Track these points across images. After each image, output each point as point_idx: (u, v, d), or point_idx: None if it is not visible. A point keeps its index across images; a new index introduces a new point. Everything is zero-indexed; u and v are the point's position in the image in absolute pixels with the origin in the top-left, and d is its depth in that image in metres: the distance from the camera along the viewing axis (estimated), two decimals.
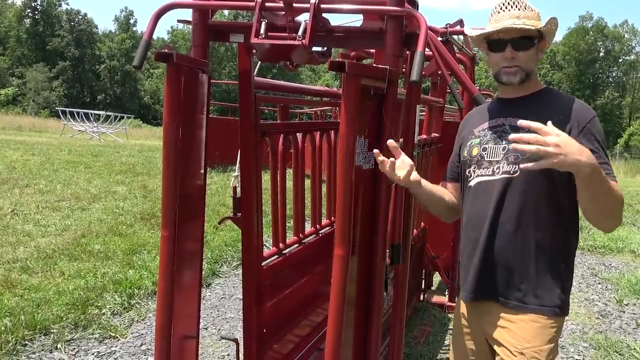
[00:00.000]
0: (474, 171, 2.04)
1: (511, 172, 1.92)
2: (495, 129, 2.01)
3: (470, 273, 2.04)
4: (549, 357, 1.92)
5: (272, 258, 3.31)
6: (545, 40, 1.99)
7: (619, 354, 4.26)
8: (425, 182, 2.12)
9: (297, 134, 3.59)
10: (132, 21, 67.45)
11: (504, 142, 1.95)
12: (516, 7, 1.94)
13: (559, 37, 65.48)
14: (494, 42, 1.98)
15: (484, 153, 2.01)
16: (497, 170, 1.96)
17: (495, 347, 2.01)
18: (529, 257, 1.92)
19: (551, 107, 1.93)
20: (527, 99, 2.00)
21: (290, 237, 3.66)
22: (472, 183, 2.05)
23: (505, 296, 1.97)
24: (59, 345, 3.86)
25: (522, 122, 1.66)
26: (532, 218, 1.91)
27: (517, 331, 1.94)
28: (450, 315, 4.85)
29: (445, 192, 2.23)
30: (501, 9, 1.96)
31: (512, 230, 1.93)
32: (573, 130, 1.85)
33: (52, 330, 4.05)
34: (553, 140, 1.58)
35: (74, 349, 3.87)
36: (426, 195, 2.14)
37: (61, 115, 26.32)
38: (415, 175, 2.01)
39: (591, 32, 62.22)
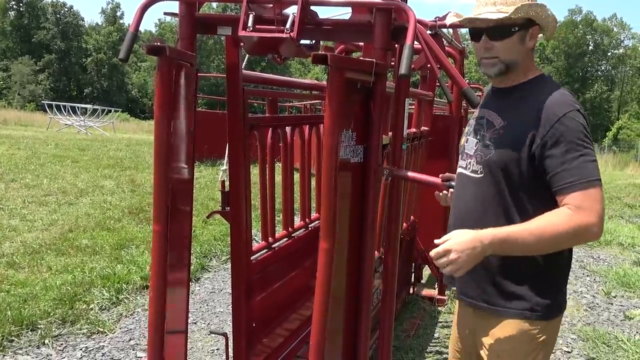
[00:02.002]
0: (459, 160, 2.00)
1: (478, 172, 1.85)
2: (479, 121, 1.92)
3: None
4: None
5: (262, 252, 3.30)
6: (537, 26, 1.81)
7: (607, 346, 4.30)
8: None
9: (286, 127, 3.58)
10: (118, 14, 66.67)
11: (478, 137, 1.88)
12: None
13: None
14: (472, 31, 1.86)
15: (465, 144, 1.96)
16: (469, 166, 1.90)
17: (480, 350, 1.95)
18: (493, 259, 1.78)
19: (525, 102, 1.79)
20: (510, 91, 1.87)
21: (279, 231, 3.65)
22: (457, 172, 2.01)
23: (476, 299, 1.90)
24: (46, 341, 3.83)
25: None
26: (494, 220, 1.77)
27: (499, 338, 1.84)
28: (440, 308, 4.87)
29: None
30: None
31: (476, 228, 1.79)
32: (538, 132, 1.69)
33: (39, 326, 4.01)
34: (438, 252, 1.62)
35: (62, 344, 3.84)
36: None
37: (47, 109, 26.08)
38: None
39: (580, 26, 62.48)
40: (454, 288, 2.08)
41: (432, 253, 1.65)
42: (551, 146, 1.68)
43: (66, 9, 63.34)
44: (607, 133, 47.18)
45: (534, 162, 1.72)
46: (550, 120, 1.69)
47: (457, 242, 1.62)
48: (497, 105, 1.89)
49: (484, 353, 1.91)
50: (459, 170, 1.98)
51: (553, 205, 1.69)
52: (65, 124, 23.81)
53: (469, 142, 1.93)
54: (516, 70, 1.85)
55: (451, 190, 2.09)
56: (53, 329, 3.99)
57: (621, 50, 64.31)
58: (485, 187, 1.82)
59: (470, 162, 1.90)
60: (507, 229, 1.67)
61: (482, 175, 1.83)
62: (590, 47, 63.29)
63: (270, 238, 3.42)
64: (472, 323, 1.97)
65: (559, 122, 1.68)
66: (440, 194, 2.16)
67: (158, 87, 2.05)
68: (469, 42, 2.17)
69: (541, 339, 1.83)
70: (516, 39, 1.80)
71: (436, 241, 1.66)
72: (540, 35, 1.90)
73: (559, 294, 1.88)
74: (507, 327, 1.82)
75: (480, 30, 1.83)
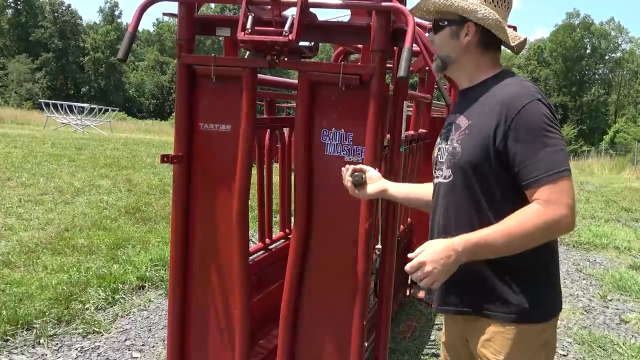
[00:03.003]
0: (434, 172, 1.93)
1: (447, 176, 1.80)
2: (448, 127, 1.87)
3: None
4: None
5: (258, 253, 3.31)
6: (470, 23, 1.75)
7: (603, 349, 4.31)
8: (395, 188, 2.05)
9: (284, 128, 3.59)
10: (116, 13, 66.67)
11: (447, 142, 1.82)
12: None
13: (546, 34, 65.99)
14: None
15: (438, 153, 1.89)
16: (442, 173, 1.83)
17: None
18: (474, 264, 1.70)
19: (486, 99, 1.73)
20: (473, 90, 1.81)
21: (276, 233, 3.65)
22: (434, 183, 1.93)
23: (464, 306, 1.81)
24: (41, 341, 3.81)
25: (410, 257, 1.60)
26: (476, 225, 1.69)
27: (495, 346, 1.77)
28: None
29: (424, 189, 2.07)
30: None
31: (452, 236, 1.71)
32: (499, 126, 1.64)
33: (34, 326, 3.99)
34: (412, 266, 1.58)
35: (57, 344, 3.83)
36: (402, 199, 2.14)
37: (44, 108, 26.03)
38: (376, 187, 1.99)
39: (578, 29, 62.62)
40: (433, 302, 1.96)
41: (407, 267, 1.60)
42: (514, 140, 1.62)
43: (64, 8, 63.21)
44: (604, 137, 47.26)
45: (501, 158, 1.66)
46: (511, 113, 1.63)
47: (430, 253, 1.58)
48: (461, 107, 1.84)
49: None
50: (435, 180, 1.91)
51: (525, 200, 1.65)
52: (62, 123, 23.76)
53: (441, 151, 1.87)
54: (458, 67, 1.82)
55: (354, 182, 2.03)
56: (48, 329, 3.97)
57: (618, 54, 64.52)
58: (458, 190, 1.76)
59: (442, 169, 1.84)
60: (478, 233, 1.63)
61: (451, 178, 1.78)
62: (588, 51, 63.45)
63: (267, 239, 3.43)
64: (463, 331, 1.90)
65: (519, 115, 1.62)
66: (346, 183, 2.03)
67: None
68: None
69: (542, 340, 1.79)
70: (447, 33, 1.78)
71: (410, 255, 1.61)
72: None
73: (553, 293, 1.81)
74: (504, 333, 1.75)
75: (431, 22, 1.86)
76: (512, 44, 1.80)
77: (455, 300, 1.82)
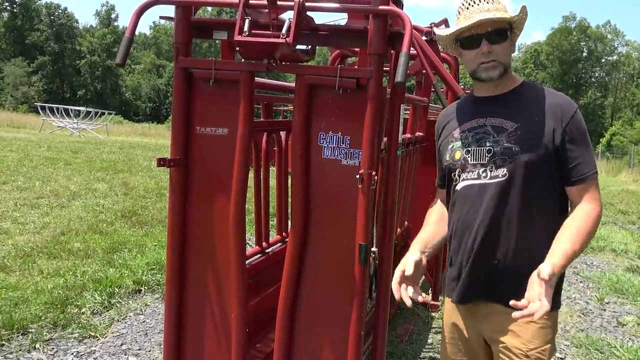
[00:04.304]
0: (459, 175, 1.99)
1: (500, 175, 1.89)
2: (477, 130, 1.96)
3: (464, 276, 1.98)
4: (551, 355, 1.93)
5: (255, 257, 3.30)
6: (515, 32, 1.96)
7: (600, 352, 4.31)
8: (423, 245, 2.07)
9: (281, 132, 3.58)
10: (113, 16, 66.63)
11: (488, 144, 1.91)
12: (485, 0, 1.90)
13: (542, 37, 66.28)
14: (468, 39, 1.93)
15: (467, 156, 1.96)
16: (484, 174, 1.91)
17: (497, 349, 1.96)
18: (527, 259, 1.85)
19: (533, 103, 1.92)
20: (508, 96, 1.97)
21: (273, 236, 3.64)
22: (458, 187, 2.00)
23: (502, 298, 1.87)
24: (37, 345, 3.79)
25: (514, 305, 1.68)
26: (528, 221, 1.89)
27: (520, 333, 1.91)
28: (433, 314, 4.87)
29: (436, 220, 2.17)
30: (470, 4, 1.92)
31: (507, 234, 1.90)
32: (557, 127, 1.86)
33: (30, 330, 3.98)
34: (535, 308, 1.64)
35: (53, 348, 3.81)
36: (435, 248, 2.14)
37: (40, 111, 25.96)
38: (416, 266, 1.95)
39: (574, 32, 62.82)
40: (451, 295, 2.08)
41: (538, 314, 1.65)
42: (570, 139, 1.86)
43: (60, 11, 63.19)
44: (601, 139, 47.42)
45: (557, 155, 1.87)
46: (566, 115, 1.87)
47: (540, 293, 1.67)
48: (495, 111, 1.94)
49: (506, 353, 1.93)
50: (463, 183, 1.97)
51: (561, 194, 1.91)
52: (58, 126, 23.70)
53: (472, 154, 1.94)
54: (509, 73, 1.97)
55: None
56: (44, 333, 3.95)
57: (615, 57, 64.72)
58: (515, 186, 1.89)
59: (485, 170, 1.91)
60: (564, 251, 1.76)
61: (506, 177, 1.88)
62: (584, 54, 63.68)
63: (264, 243, 3.42)
64: (486, 324, 2.00)
65: (573, 118, 1.88)
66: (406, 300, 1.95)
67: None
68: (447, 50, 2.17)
69: (553, 331, 1.98)
70: (509, 42, 1.94)
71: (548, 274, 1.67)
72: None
73: (561, 286, 2.01)
74: (535, 324, 1.89)
75: (479, 36, 1.90)
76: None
77: (486, 293, 1.97)
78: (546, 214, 1.91)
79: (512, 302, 1.68)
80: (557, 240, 1.80)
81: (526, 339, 1.90)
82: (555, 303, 1.94)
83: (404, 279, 1.91)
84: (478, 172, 1.93)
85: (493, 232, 1.91)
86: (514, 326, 1.92)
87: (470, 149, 1.96)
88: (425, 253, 2.05)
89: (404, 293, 1.89)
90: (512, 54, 2.00)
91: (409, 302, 1.89)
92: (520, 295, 1.77)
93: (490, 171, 1.91)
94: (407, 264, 1.93)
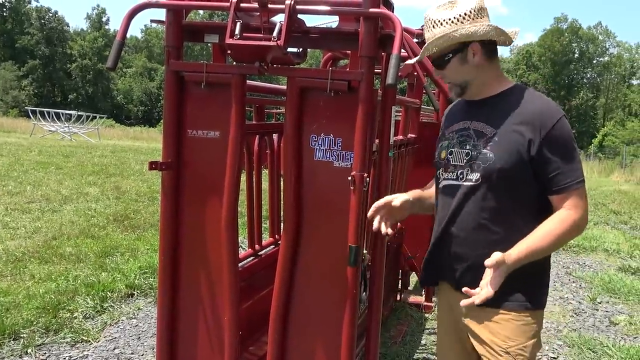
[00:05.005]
0: (442, 174, 2.05)
1: (474, 180, 1.92)
2: (461, 132, 2.01)
3: (427, 260, 2.13)
4: (533, 352, 1.95)
5: (248, 260, 3.29)
6: (474, 43, 1.91)
7: (592, 352, 4.33)
8: (417, 197, 2.16)
9: (273, 134, 3.58)
10: (104, 19, 66.35)
11: (467, 147, 1.95)
12: (428, 29, 1.95)
13: (534, 38, 66.58)
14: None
15: (450, 157, 2.01)
16: (461, 176, 1.96)
17: (477, 345, 2.00)
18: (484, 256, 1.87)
19: (514, 110, 1.90)
20: (495, 100, 1.97)
21: (265, 239, 3.64)
22: (440, 185, 2.07)
23: (463, 290, 1.92)
24: (29, 350, 3.77)
25: (465, 293, 1.83)
26: (493, 224, 1.92)
27: (499, 330, 1.94)
28: (427, 315, 4.88)
29: (432, 191, 2.23)
30: (426, 31, 1.99)
31: (470, 235, 1.95)
32: (534, 137, 1.83)
33: (22, 335, 3.95)
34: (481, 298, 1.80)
35: (45, 353, 3.79)
36: (419, 208, 2.21)
37: (31, 115, 25.82)
38: (401, 205, 2.06)
39: (566, 34, 63.10)
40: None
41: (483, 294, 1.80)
42: (548, 151, 1.83)
43: (51, 14, 62.82)
44: (593, 140, 47.69)
45: (532, 166, 1.85)
46: (545, 125, 1.83)
47: (497, 279, 1.79)
48: (480, 115, 1.97)
49: (487, 349, 1.97)
50: (445, 182, 2.03)
51: (542, 204, 1.89)
52: (49, 130, 23.58)
53: (454, 155, 1.99)
54: (475, 86, 1.97)
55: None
56: (36, 338, 3.93)
57: (606, 58, 65.09)
58: (484, 192, 1.91)
59: (461, 172, 1.96)
60: (528, 246, 1.83)
61: (478, 182, 1.91)
62: (576, 55, 64.00)
63: (257, 245, 3.42)
64: (467, 318, 2.03)
65: (554, 129, 1.83)
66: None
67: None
68: None
69: (537, 327, 1.98)
70: (456, 62, 1.94)
71: (492, 262, 1.78)
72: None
73: (546, 284, 2.04)
74: (510, 319, 1.93)
75: (433, 62, 2.02)
76: (515, 40, 1.97)
77: (467, 283, 1.95)
78: (519, 221, 1.91)
79: (464, 289, 1.82)
80: (523, 239, 1.85)
81: (506, 336, 1.93)
82: (537, 302, 1.97)
83: (385, 207, 2.03)
84: (456, 174, 1.98)
85: (455, 231, 1.97)
86: (492, 324, 1.95)
87: (453, 150, 2.01)
88: (415, 203, 2.14)
89: (378, 219, 2.02)
90: (484, 62, 1.94)
91: (376, 226, 2.01)
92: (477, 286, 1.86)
93: (467, 174, 1.95)
94: (396, 197, 2.06)
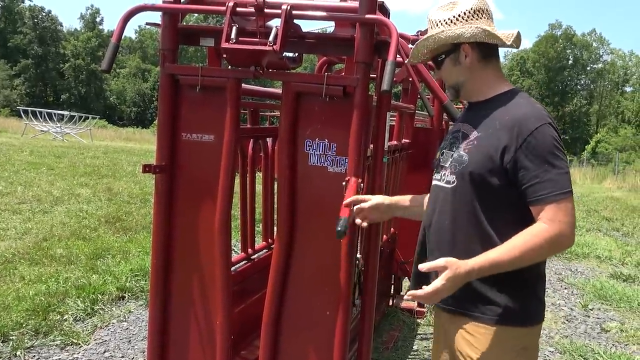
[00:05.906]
0: (434, 175, 2.03)
1: (451, 182, 1.89)
2: (454, 134, 1.98)
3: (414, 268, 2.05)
4: None
5: (241, 263, 3.29)
6: (465, 45, 1.87)
7: (584, 358, 4.34)
8: (389, 203, 2.16)
9: (267, 138, 3.58)
10: (98, 19, 66.20)
11: (453, 149, 1.93)
12: (428, 29, 1.93)
13: (528, 44, 67.04)
14: None
15: (441, 157, 1.99)
16: (445, 177, 1.93)
17: (450, 355, 1.96)
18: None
19: (497, 115, 1.83)
20: (485, 104, 1.91)
21: (259, 242, 3.63)
22: (432, 185, 2.03)
23: (450, 304, 1.89)
24: (18, 353, 3.74)
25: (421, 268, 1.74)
26: (466, 230, 1.84)
27: (475, 344, 1.85)
28: (419, 321, 4.88)
29: (417, 197, 2.21)
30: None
31: (449, 239, 1.88)
32: (510, 145, 1.74)
33: (11, 337, 3.92)
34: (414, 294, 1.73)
35: (34, 356, 3.76)
36: (402, 213, 2.23)
37: (23, 115, 25.68)
38: (376, 206, 2.10)
39: (560, 40, 63.49)
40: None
41: (425, 289, 1.68)
42: (524, 159, 1.73)
43: (44, 14, 62.60)
44: (586, 146, 47.99)
45: (508, 174, 1.76)
46: (523, 133, 1.74)
47: (450, 286, 1.68)
48: (471, 118, 1.95)
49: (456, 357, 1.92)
50: (434, 182, 2.02)
51: (523, 212, 1.76)
52: (41, 131, 23.45)
53: (444, 155, 1.97)
54: (468, 88, 1.95)
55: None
56: (25, 341, 3.90)
57: (600, 65, 65.53)
58: (458, 195, 1.86)
59: (444, 174, 1.94)
60: (487, 256, 1.72)
61: (454, 184, 1.87)
62: (570, 62, 64.41)
63: (250, 249, 3.41)
64: (446, 326, 1.98)
65: (532, 136, 1.73)
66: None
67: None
68: None
69: (520, 345, 1.85)
70: (449, 63, 1.93)
71: (428, 266, 1.72)
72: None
73: (535, 300, 1.90)
74: (486, 333, 1.83)
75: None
76: (509, 43, 1.91)
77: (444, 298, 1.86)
78: (490, 231, 1.80)
79: (409, 292, 1.76)
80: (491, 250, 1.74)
81: (480, 350, 1.83)
82: (519, 317, 1.83)
83: (362, 203, 2.08)
84: (441, 174, 1.96)
85: (434, 234, 1.94)
86: (468, 337, 1.87)
87: (444, 151, 1.99)
88: (392, 207, 2.17)
89: (355, 210, 2.06)
90: (472, 67, 1.90)
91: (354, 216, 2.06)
92: (454, 297, 1.77)
93: (447, 175, 1.92)
94: (370, 197, 2.11)
